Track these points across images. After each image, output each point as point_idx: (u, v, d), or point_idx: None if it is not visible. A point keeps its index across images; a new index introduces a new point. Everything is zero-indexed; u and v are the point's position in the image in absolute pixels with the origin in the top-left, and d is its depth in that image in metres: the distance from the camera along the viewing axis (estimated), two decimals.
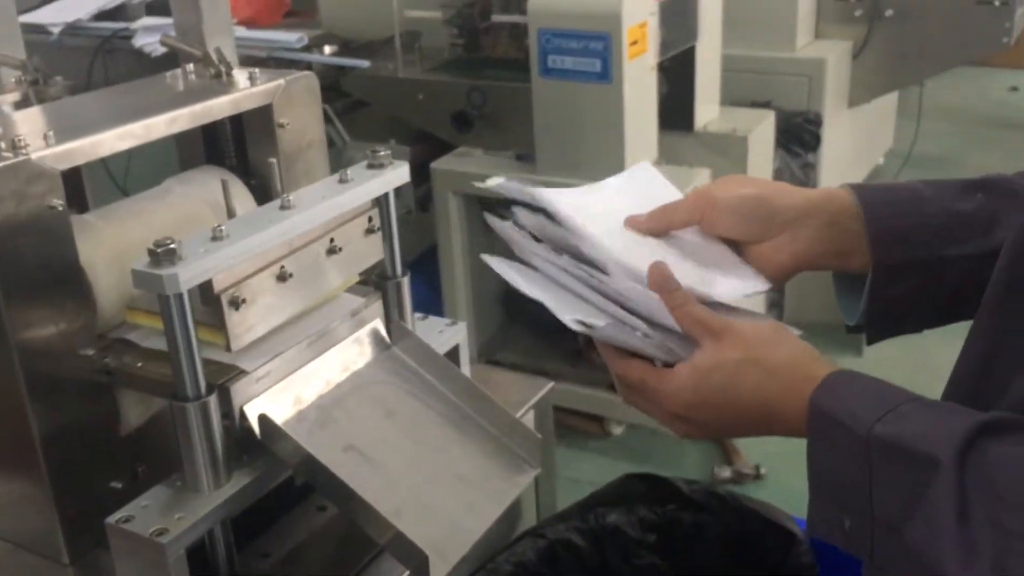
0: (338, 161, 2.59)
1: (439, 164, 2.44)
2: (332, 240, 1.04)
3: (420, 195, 2.60)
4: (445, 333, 1.23)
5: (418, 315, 1.26)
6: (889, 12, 3.04)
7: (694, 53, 2.44)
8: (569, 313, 0.86)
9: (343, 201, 1.02)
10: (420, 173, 2.53)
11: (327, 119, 2.57)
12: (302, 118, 1.19)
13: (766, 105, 2.84)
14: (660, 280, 0.83)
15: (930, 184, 0.80)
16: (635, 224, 0.93)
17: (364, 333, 1.10)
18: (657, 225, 0.92)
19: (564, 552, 1.20)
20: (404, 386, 1.10)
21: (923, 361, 2.21)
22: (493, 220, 0.99)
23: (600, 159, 2.20)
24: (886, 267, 0.76)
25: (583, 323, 0.85)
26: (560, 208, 0.94)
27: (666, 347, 0.84)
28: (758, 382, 0.74)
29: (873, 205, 0.77)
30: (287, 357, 1.01)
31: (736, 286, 0.88)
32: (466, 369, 1.25)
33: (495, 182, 0.98)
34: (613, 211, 0.96)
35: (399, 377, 1.10)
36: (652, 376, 0.82)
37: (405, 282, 1.14)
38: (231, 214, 1.01)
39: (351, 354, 1.08)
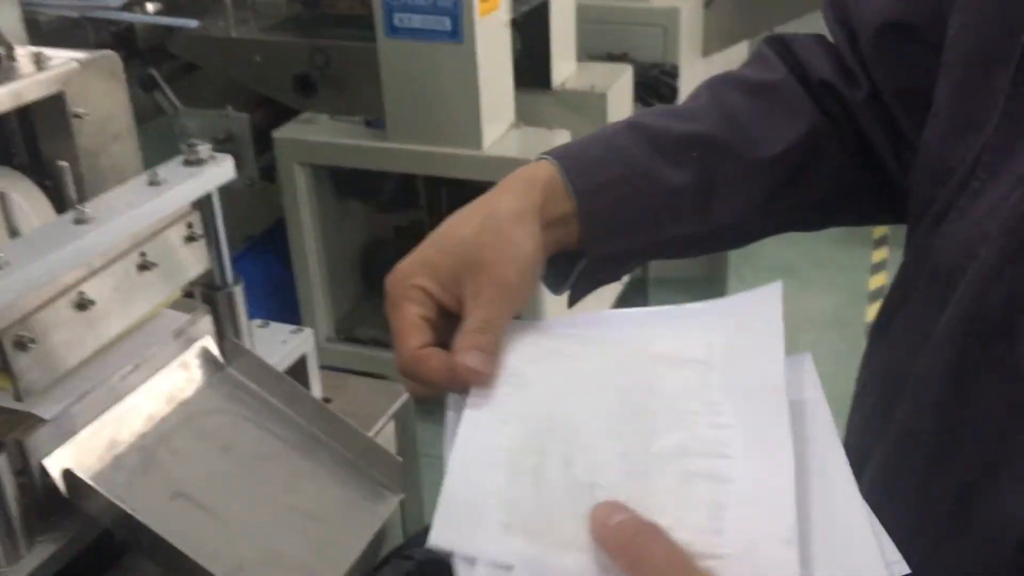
0: (170, 132, 2.39)
1: (282, 133, 2.26)
2: (144, 254, 0.88)
3: (263, 164, 2.41)
4: (289, 343, 1.09)
5: (257, 322, 1.12)
6: None
7: (548, 7, 2.32)
8: None
9: (154, 208, 0.87)
10: (262, 141, 2.35)
11: (155, 85, 2.34)
12: (104, 106, 1.02)
13: (623, 58, 2.76)
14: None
15: (641, 143, 0.66)
16: None
17: (192, 355, 0.96)
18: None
19: (434, 573, 1.10)
20: (242, 413, 0.96)
21: None
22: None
23: (455, 123, 2.08)
24: (598, 258, 0.65)
25: None
26: None
27: None
28: None
29: (586, 194, 0.63)
30: (97, 396, 0.86)
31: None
32: (315, 382, 1.12)
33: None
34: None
35: (236, 403, 0.97)
36: None
37: (238, 291, 1.00)
38: (13, 233, 0.84)
39: (177, 381, 0.94)
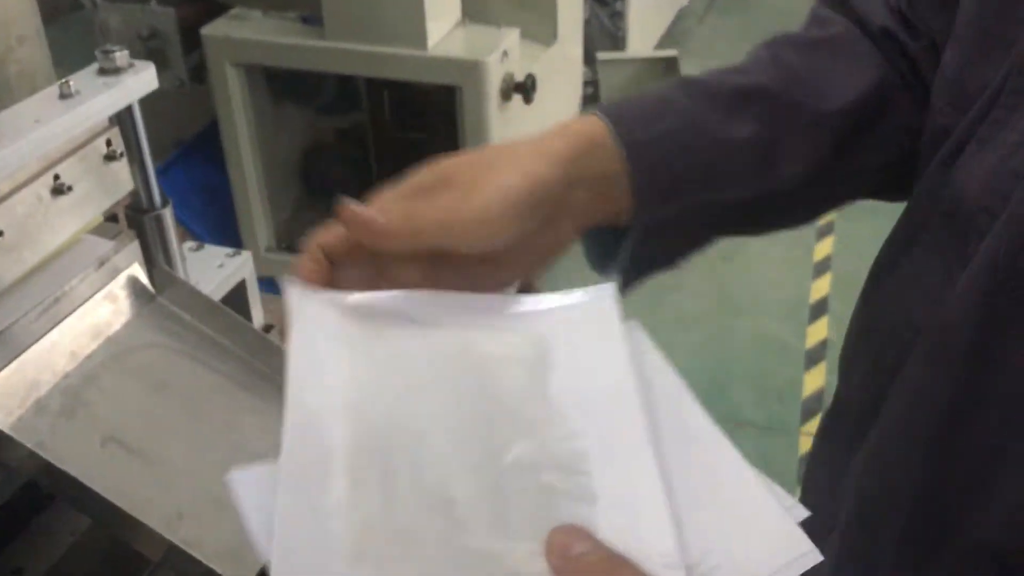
0: (89, 30, 2.22)
1: (211, 30, 2.12)
2: (57, 177, 0.79)
3: (192, 64, 2.27)
4: (226, 267, 1.01)
5: (189, 245, 1.04)
6: None
7: None
8: None
9: (67, 125, 0.77)
10: (190, 38, 2.20)
11: None
12: (5, 3, 0.90)
13: None
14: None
15: (695, 96, 0.58)
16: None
17: (118, 285, 0.87)
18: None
19: None
20: (176, 347, 0.89)
21: None
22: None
23: (397, 20, 1.96)
24: (648, 225, 0.56)
25: None
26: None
27: None
28: None
29: (634, 146, 0.55)
30: (12, 334, 0.78)
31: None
32: (256, 308, 1.04)
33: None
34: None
35: (169, 336, 0.89)
36: None
37: (167, 214, 0.92)
38: None
39: (103, 314, 0.86)
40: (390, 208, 0.49)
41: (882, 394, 0.54)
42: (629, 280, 0.59)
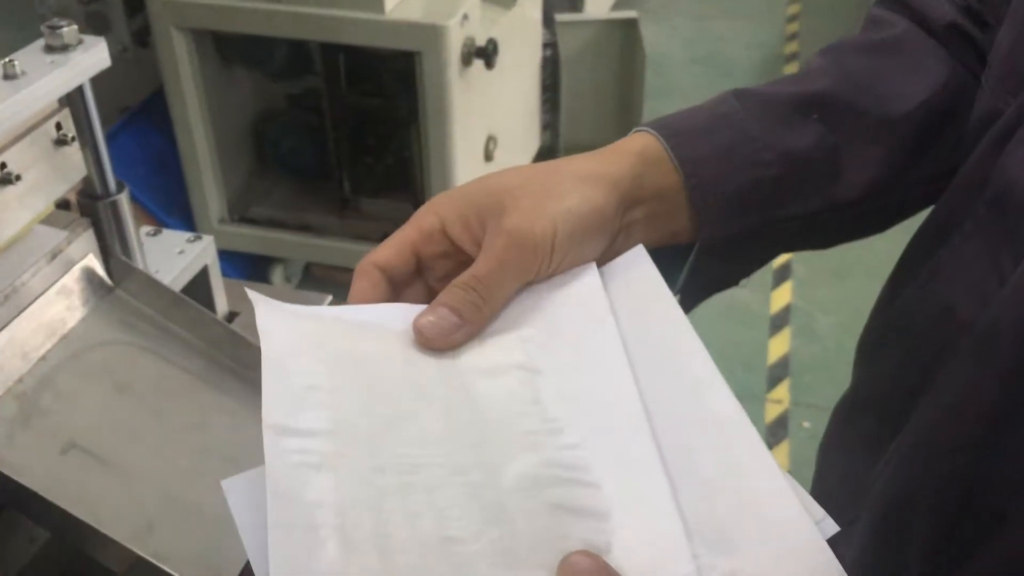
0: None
1: None
2: (4, 166, 0.73)
3: (136, 28, 2.16)
4: (187, 253, 0.95)
5: (147, 230, 0.98)
6: None
7: None
8: None
9: (12, 109, 0.71)
10: (133, 1, 2.10)
11: None
12: None
13: None
14: None
15: (750, 107, 0.55)
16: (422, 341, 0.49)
17: (73, 279, 0.82)
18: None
19: None
20: (137, 343, 0.83)
21: None
22: None
23: None
24: (710, 243, 0.54)
25: None
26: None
27: None
28: None
29: (690, 163, 0.52)
30: None
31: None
32: (220, 296, 0.99)
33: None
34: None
35: (129, 332, 0.84)
36: None
37: (123, 199, 0.86)
38: None
39: (58, 311, 0.80)
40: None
41: (916, 390, 0.51)
42: (690, 299, 0.57)
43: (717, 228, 0.53)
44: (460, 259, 0.51)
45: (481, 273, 0.47)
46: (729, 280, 0.58)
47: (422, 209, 0.51)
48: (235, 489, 0.44)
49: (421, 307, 0.50)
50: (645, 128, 0.54)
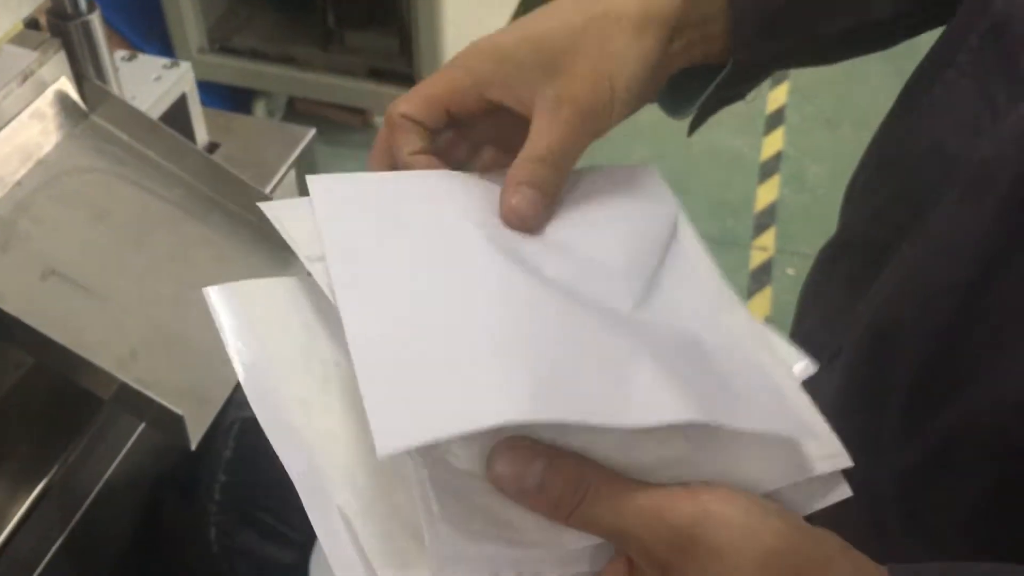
0: None
1: None
2: None
3: None
4: (164, 79, 0.92)
5: (122, 55, 0.94)
6: None
7: None
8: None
9: None
10: None
11: None
12: None
13: None
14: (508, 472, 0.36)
15: None
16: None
17: (46, 102, 0.79)
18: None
19: None
20: (114, 171, 0.82)
21: None
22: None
23: None
24: (742, 66, 0.52)
25: None
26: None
27: None
28: None
29: None
30: None
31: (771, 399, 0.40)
32: (199, 126, 0.96)
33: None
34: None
35: (106, 159, 0.82)
36: None
37: (96, 20, 0.82)
38: None
39: (32, 135, 0.78)
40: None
41: (900, 229, 0.50)
42: (700, 118, 0.56)
43: (751, 52, 0.51)
44: (501, 120, 0.49)
45: (555, 146, 0.45)
46: (740, 95, 0.56)
47: (449, 64, 0.48)
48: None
49: (455, 173, 0.49)
50: None
